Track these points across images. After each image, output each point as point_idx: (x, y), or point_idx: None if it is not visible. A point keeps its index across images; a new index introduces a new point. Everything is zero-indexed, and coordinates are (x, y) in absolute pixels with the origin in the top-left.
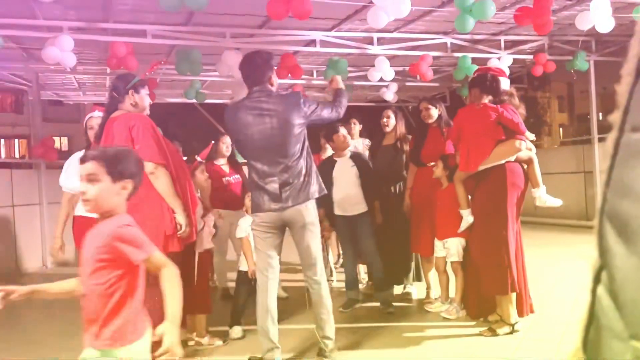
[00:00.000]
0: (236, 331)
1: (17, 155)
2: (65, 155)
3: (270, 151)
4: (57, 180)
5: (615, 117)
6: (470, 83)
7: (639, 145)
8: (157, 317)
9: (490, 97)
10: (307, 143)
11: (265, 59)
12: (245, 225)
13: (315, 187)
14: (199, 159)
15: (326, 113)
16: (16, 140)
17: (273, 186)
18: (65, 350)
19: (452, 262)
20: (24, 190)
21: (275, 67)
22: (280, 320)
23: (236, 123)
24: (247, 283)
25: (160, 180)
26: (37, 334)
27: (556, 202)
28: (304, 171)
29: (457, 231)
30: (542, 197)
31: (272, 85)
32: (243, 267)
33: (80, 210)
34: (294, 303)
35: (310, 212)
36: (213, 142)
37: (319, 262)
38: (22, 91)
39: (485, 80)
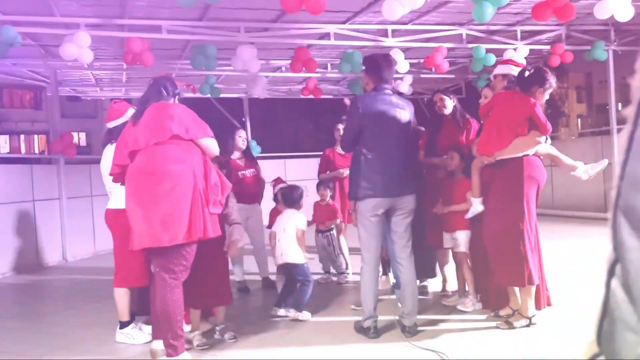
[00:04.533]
0: (307, 314)
1: (36, 151)
2: (83, 150)
3: (392, 141)
4: (76, 175)
5: (629, 112)
6: (527, 80)
7: None
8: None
9: (540, 89)
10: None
11: (395, 63)
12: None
13: (416, 181)
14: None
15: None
16: (35, 136)
17: (387, 174)
18: (87, 341)
19: (459, 253)
20: (44, 185)
21: None
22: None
23: (369, 111)
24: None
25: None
26: (59, 325)
27: (602, 164)
28: (412, 166)
29: (465, 217)
30: (587, 172)
31: (391, 85)
32: (300, 259)
33: (114, 203)
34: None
35: (412, 201)
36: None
37: (410, 246)
38: (41, 88)
39: (541, 75)
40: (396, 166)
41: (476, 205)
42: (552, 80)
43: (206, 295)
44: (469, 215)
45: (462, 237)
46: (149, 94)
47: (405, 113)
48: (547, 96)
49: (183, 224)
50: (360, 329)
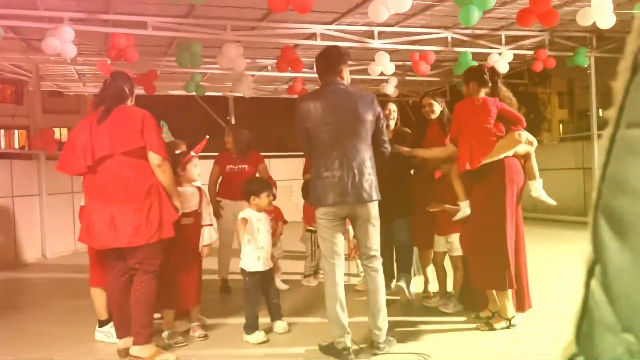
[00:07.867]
0: (258, 336)
1: (16, 146)
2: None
3: (338, 145)
4: (56, 171)
5: (611, 113)
6: (465, 76)
7: (634, 142)
8: None
9: (487, 90)
10: (371, 145)
11: (339, 53)
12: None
13: (377, 187)
14: (192, 153)
15: (385, 130)
16: (16, 131)
17: (338, 180)
18: (65, 340)
19: (453, 256)
20: (23, 181)
21: (348, 63)
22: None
23: (306, 113)
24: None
25: (167, 173)
26: (37, 323)
27: (550, 201)
28: (369, 170)
29: (452, 219)
30: (539, 189)
31: (342, 79)
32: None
33: None
34: (295, 295)
35: (372, 208)
36: (207, 136)
37: (377, 254)
38: (22, 82)
39: (483, 73)
40: (349, 169)
41: (464, 208)
42: (495, 75)
43: (181, 296)
44: (457, 217)
45: (457, 240)
46: (112, 93)
47: (349, 110)
48: (483, 92)
49: (162, 221)
50: (332, 351)
